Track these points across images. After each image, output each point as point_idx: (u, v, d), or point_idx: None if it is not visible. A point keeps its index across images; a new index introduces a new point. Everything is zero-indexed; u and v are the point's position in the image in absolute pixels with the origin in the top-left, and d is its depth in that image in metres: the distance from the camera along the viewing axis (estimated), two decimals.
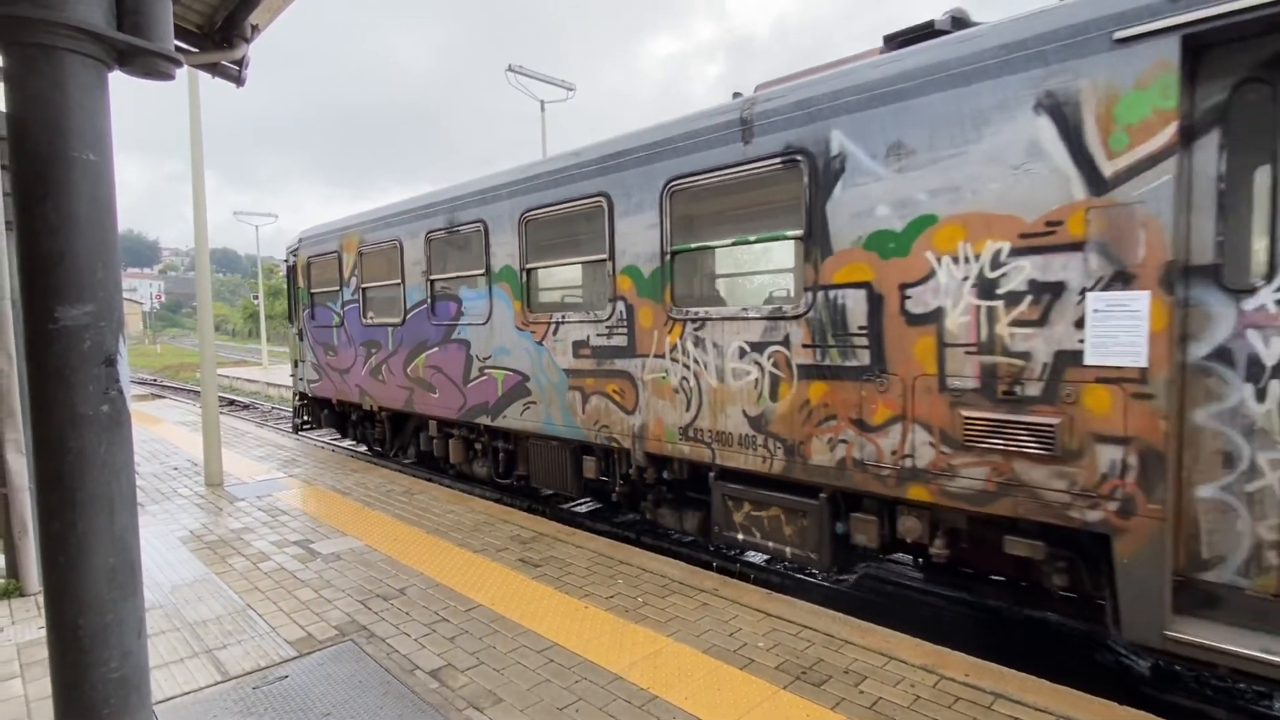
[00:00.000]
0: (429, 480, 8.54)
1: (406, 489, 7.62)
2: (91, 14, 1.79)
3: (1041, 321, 3.54)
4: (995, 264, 3.70)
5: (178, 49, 4.83)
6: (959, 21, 4.21)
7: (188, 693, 3.45)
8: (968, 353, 3.79)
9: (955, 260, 3.83)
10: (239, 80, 5.49)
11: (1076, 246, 3.43)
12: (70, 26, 1.75)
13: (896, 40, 4.45)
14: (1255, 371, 3.13)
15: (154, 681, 3.54)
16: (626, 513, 6.58)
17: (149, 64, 1.96)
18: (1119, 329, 3.32)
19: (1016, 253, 3.62)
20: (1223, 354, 3.20)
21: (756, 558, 6.48)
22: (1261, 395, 3.12)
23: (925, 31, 4.28)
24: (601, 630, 4.03)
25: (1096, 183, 3.36)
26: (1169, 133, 3.16)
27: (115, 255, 1.88)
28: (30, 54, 1.71)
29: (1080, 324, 3.43)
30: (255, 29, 4.99)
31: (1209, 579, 3.29)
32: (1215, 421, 3.23)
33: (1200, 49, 3.17)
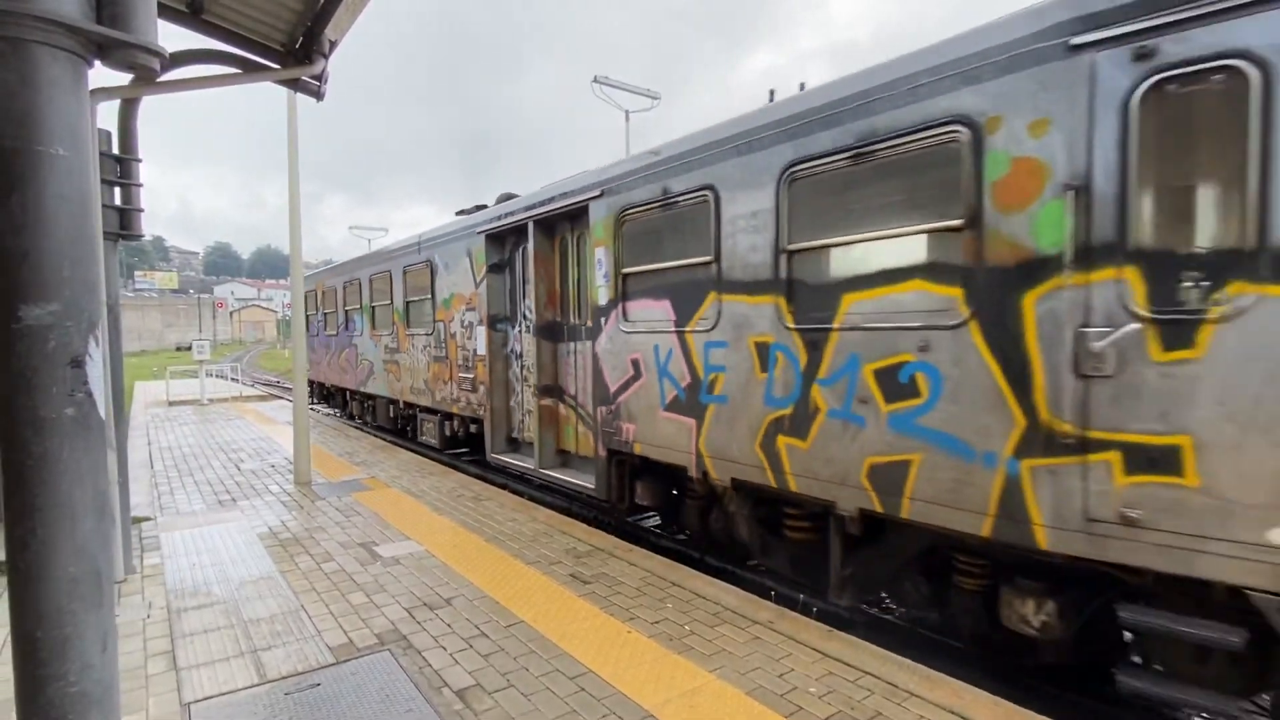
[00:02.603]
0: (502, 488, 8.57)
1: (476, 494, 7.65)
2: (64, 5, 1.74)
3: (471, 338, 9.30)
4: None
5: (263, 67, 5.09)
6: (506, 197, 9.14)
7: (224, 693, 3.47)
8: None
9: None
10: (318, 95, 5.68)
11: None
12: (41, 18, 1.70)
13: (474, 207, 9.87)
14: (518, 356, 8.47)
15: (196, 678, 3.61)
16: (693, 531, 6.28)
17: (130, 57, 1.90)
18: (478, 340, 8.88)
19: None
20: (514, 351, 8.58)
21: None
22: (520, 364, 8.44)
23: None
24: (641, 659, 3.75)
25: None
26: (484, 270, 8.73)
27: (89, 253, 1.82)
28: None
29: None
30: (332, 44, 5.13)
31: (515, 437, 8.60)
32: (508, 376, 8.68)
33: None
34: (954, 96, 3.71)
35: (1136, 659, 3.73)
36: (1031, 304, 3.41)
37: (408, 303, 11.19)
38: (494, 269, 8.66)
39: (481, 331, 8.78)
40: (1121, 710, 3.97)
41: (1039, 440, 3.38)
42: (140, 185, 5.40)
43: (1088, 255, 3.20)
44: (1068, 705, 4.00)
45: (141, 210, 5.39)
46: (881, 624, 5.26)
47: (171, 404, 17.50)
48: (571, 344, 7.60)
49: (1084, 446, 3.23)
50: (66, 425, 1.76)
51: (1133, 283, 3.10)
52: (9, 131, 1.69)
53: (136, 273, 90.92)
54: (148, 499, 7.58)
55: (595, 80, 13.71)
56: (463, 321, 9.34)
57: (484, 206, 9.26)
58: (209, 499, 7.62)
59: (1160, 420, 3.02)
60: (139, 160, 5.38)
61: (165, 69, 4.73)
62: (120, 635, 4.04)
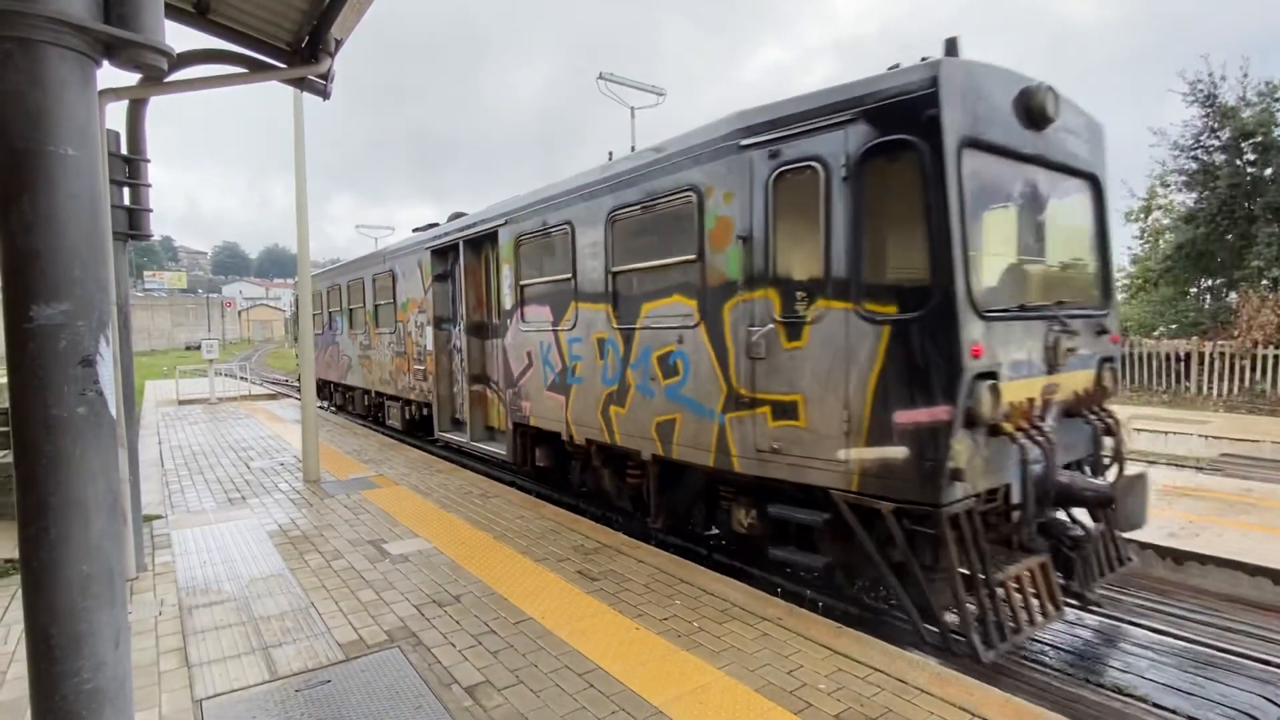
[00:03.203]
0: (510, 485, 8.59)
1: (484, 491, 7.67)
2: (73, 5, 1.75)
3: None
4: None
5: (269, 66, 5.11)
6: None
7: (236, 690, 3.49)
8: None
9: None
10: (325, 93, 5.69)
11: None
12: (49, 19, 1.70)
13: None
14: (458, 351, 9.76)
15: (208, 675, 3.63)
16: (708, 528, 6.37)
17: (137, 56, 1.91)
18: (427, 338, 10.34)
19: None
20: (455, 346, 9.92)
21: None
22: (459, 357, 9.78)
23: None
24: (650, 655, 3.76)
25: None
26: (430, 279, 10.31)
27: (99, 253, 1.83)
28: (8, 48, 1.68)
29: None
30: (338, 43, 5.14)
31: (457, 418, 9.94)
32: (451, 367, 10.17)
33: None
34: (690, 172, 5.39)
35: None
36: (728, 311, 5.05)
37: (376, 306, 12.84)
38: (439, 278, 10.21)
39: (430, 330, 10.26)
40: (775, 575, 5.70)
41: (732, 400, 5.04)
42: (149, 185, 5.43)
43: (751, 281, 4.87)
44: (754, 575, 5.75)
45: (150, 210, 5.42)
46: (890, 621, 5.25)
47: (182, 403, 17.61)
48: (494, 340, 8.92)
49: (753, 403, 4.89)
50: (78, 424, 1.78)
51: (773, 298, 4.75)
52: (19, 132, 1.70)
53: (146, 273, 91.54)
54: (159, 497, 7.63)
55: (600, 77, 13.68)
56: (416, 322, 10.84)
57: (436, 224, 10.84)
58: (219, 497, 7.66)
59: (787, 385, 4.67)
60: (147, 160, 5.40)
61: (172, 69, 4.75)
62: (133, 632, 4.07)
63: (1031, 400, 4.46)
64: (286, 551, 5.70)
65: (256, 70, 4.88)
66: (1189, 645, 4.92)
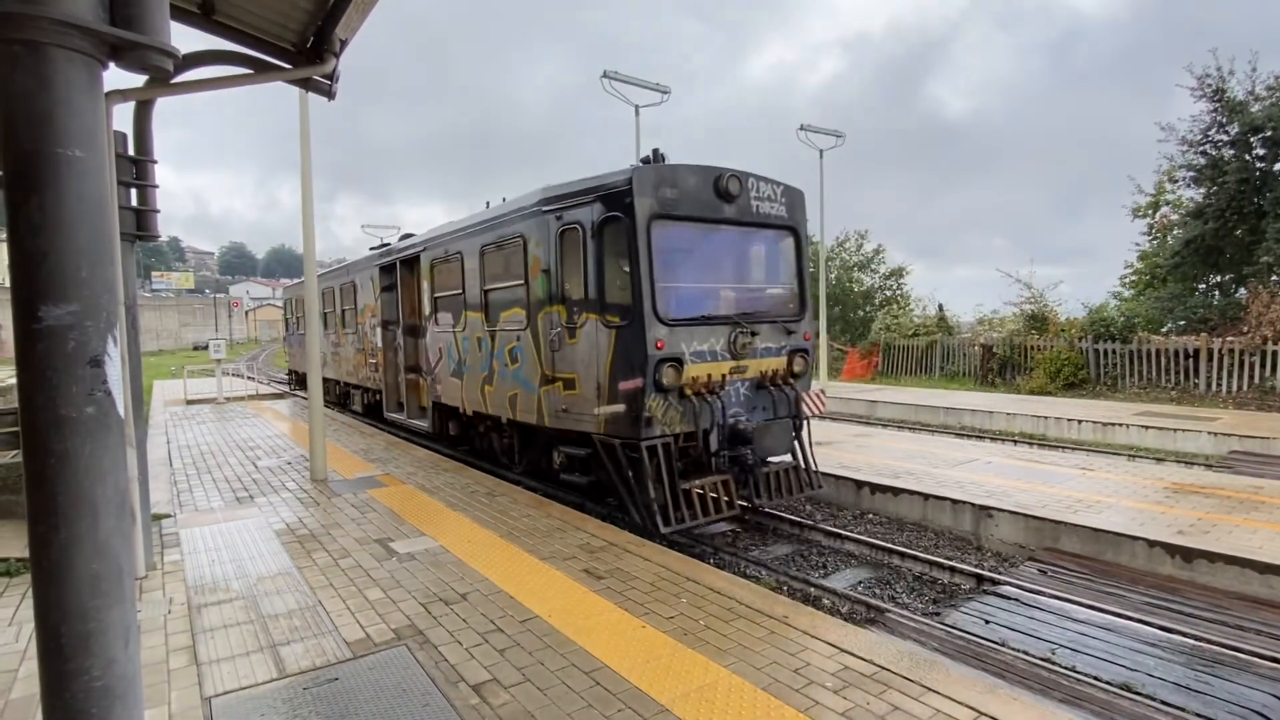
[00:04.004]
0: (515, 484, 8.60)
1: (490, 490, 7.69)
2: (79, 8, 1.75)
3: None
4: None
5: (275, 67, 5.12)
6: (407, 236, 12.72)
7: (244, 688, 3.51)
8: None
9: None
10: (330, 94, 5.70)
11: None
12: (56, 21, 1.71)
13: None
14: (400, 347, 12.06)
15: (217, 673, 3.65)
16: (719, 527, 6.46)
17: (144, 58, 1.91)
18: (378, 337, 12.94)
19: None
20: (398, 344, 12.26)
21: (840, 583, 5.95)
22: (400, 352, 12.28)
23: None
24: (656, 654, 3.76)
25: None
26: (379, 289, 12.61)
27: (107, 254, 1.84)
28: (15, 50, 1.69)
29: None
30: (343, 43, 5.14)
31: (400, 401, 12.23)
32: (396, 360, 12.43)
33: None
34: (518, 225, 7.91)
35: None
36: (540, 319, 7.47)
37: (342, 310, 15.35)
38: (386, 289, 12.49)
39: (379, 331, 12.56)
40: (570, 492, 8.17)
41: (544, 379, 7.49)
42: (156, 187, 5.45)
43: (551, 299, 7.29)
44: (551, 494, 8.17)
45: (157, 211, 5.44)
46: (896, 618, 5.24)
47: (190, 402, 17.71)
48: (423, 339, 11.19)
49: (553, 380, 7.33)
50: (87, 424, 1.78)
51: (561, 312, 7.17)
52: (27, 134, 1.71)
53: (153, 273, 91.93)
54: (167, 496, 7.68)
55: (605, 75, 13.67)
56: (370, 324, 13.22)
57: (389, 244, 13.31)
58: (227, 496, 7.70)
59: (570, 368, 7.08)
60: (154, 162, 5.43)
61: (178, 70, 4.77)
62: (142, 631, 4.10)
63: (711, 376, 6.86)
64: (294, 550, 5.73)
65: (262, 71, 4.89)
66: (1199, 643, 4.89)
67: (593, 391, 6.77)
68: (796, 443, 7.57)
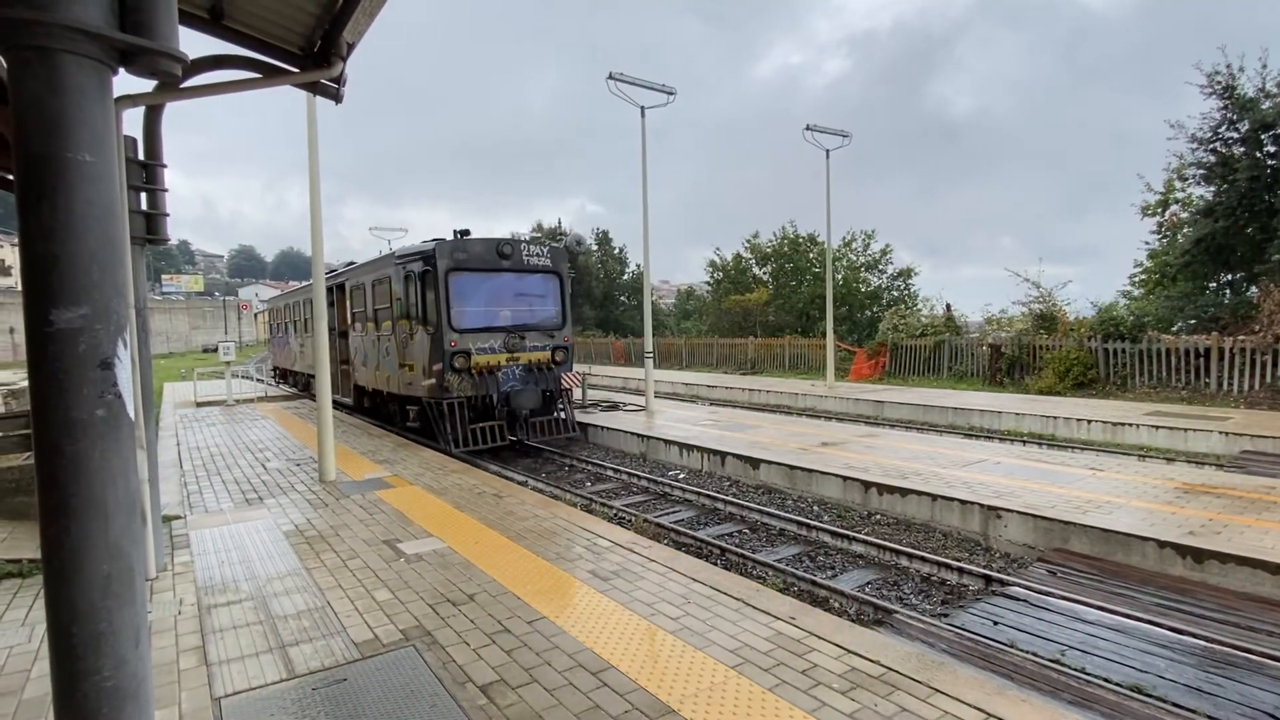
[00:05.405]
0: (521, 485, 8.61)
1: (497, 491, 7.71)
2: (88, 14, 1.77)
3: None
4: None
5: (282, 71, 5.15)
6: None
7: (254, 688, 3.54)
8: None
9: None
10: (337, 97, 5.72)
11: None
12: (66, 27, 1.73)
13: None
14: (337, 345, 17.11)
15: (227, 674, 3.67)
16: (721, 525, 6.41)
17: (153, 63, 1.93)
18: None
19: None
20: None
21: (847, 584, 5.93)
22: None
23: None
24: (663, 654, 3.76)
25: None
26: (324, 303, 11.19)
27: (117, 257, 1.86)
28: (26, 56, 1.71)
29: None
30: (350, 47, 5.17)
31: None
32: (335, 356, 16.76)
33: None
34: (388, 269, 12.77)
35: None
36: (399, 328, 12.44)
37: (306, 318, 18.52)
38: (330, 304, 14.91)
39: (325, 334, 16.82)
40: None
41: (401, 365, 12.46)
42: (165, 190, 5.50)
43: (404, 317, 12.14)
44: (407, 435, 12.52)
45: (167, 215, 5.49)
46: (904, 619, 5.22)
47: (199, 405, 17.83)
48: (351, 340, 15.54)
49: (405, 366, 12.39)
50: (97, 426, 1.80)
51: (406, 324, 12.14)
52: (38, 138, 1.72)
53: (163, 276, 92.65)
54: (178, 498, 7.73)
55: (610, 77, 13.68)
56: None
57: (336, 267, 17.19)
58: (236, 497, 7.75)
59: (411, 358, 12.12)
60: (164, 166, 5.47)
61: (187, 75, 4.80)
62: (153, 631, 4.13)
63: (490, 363, 11.67)
64: (303, 551, 5.76)
65: (270, 75, 4.92)
66: (1210, 645, 4.85)
67: (422, 372, 11.58)
68: (562, 403, 12.63)
